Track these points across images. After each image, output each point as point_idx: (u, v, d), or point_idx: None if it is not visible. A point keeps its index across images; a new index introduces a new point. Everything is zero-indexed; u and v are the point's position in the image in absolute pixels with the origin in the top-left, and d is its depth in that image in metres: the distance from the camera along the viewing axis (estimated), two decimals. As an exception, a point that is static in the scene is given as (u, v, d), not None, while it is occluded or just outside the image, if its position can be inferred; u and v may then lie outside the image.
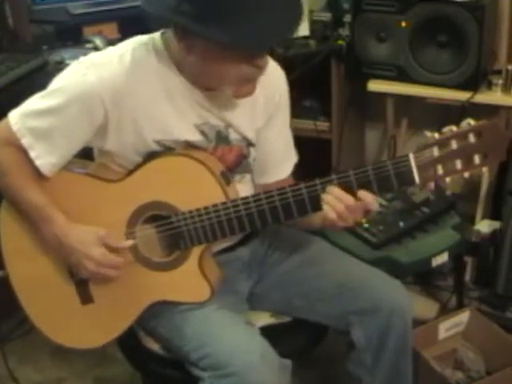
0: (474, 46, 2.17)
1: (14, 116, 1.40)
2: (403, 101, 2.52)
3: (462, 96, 2.25)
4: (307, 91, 2.52)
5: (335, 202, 1.32)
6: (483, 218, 2.44)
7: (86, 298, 1.51)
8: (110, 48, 1.43)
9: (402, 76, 2.35)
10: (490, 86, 2.28)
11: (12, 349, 2.25)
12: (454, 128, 1.27)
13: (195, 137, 1.45)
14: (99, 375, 2.26)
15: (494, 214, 2.44)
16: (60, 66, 2.17)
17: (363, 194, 1.32)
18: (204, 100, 1.43)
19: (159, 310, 1.49)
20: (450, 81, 2.27)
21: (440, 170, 1.28)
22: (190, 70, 1.38)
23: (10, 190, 1.44)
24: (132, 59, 1.38)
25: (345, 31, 2.43)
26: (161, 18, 1.32)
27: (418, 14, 2.23)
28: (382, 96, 2.50)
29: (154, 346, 1.57)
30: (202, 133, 1.45)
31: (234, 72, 1.32)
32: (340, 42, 2.43)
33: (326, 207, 1.34)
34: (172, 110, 1.41)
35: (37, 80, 2.07)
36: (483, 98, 2.26)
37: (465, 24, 2.15)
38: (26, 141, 1.39)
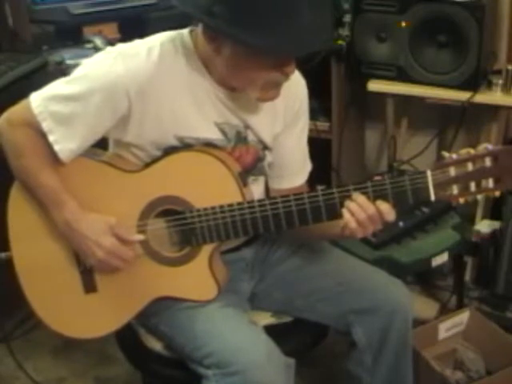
0: (474, 45, 2.17)
1: (36, 99, 1.38)
2: (403, 101, 2.52)
3: (462, 96, 2.25)
4: (307, 91, 2.51)
5: (358, 209, 1.32)
6: (483, 218, 2.44)
7: (89, 287, 1.50)
8: (138, 40, 1.42)
9: (402, 76, 2.35)
10: (490, 85, 2.27)
11: (13, 348, 2.25)
12: (472, 150, 1.29)
13: (216, 135, 1.44)
14: (99, 375, 2.26)
15: (494, 213, 2.44)
16: (60, 66, 2.17)
17: (382, 204, 1.32)
18: (227, 99, 1.43)
19: (162, 306, 1.49)
20: (450, 81, 2.27)
21: (455, 189, 1.30)
22: (218, 70, 1.37)
23: (24, 172, 1.43)
24: (160, 54, 1.37)
25: (345, 31, 2.43)
26: (192, 18, 1.32)
27: (417, 14, 2.23)
28: (382, 96, 2.50)
29: (154, 345, 1.57)
30: (223, 132, 1.45)
31: (261, 77, 1.33)
32: (340, 42, 2.42)
33: (347, 215, 1.33)
34: (194, 107, 1.41)
35: (37, 80, 2.06)
36: (483, 98, 2.26)
37: (465, 24, 2.15)
38: (46, 124, 1.37)
